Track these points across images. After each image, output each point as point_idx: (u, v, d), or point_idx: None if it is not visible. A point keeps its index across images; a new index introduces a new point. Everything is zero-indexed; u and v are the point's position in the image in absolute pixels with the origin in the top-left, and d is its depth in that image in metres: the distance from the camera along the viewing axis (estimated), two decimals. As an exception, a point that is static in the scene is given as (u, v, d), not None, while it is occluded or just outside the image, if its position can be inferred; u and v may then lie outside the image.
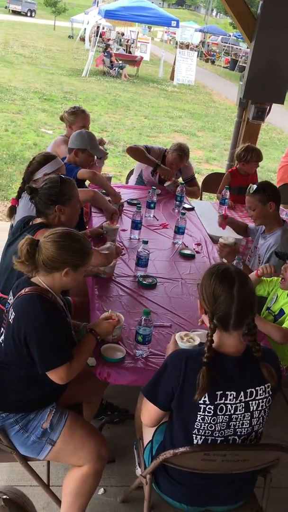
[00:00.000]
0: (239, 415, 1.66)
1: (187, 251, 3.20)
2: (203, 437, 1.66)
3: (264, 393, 1.68)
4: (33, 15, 36.72)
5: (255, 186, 3.09)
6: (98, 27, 18.56)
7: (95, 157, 3.52)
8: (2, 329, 2.03)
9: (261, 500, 1.93)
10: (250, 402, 1.66)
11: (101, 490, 2.44)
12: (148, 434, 2.02)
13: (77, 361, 1.94)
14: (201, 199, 4.89)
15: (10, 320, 1.92)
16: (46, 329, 1.85)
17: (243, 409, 1.66)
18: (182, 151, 4.15)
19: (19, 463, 2.03)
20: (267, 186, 3.14)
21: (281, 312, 2.63)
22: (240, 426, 1.68)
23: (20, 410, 1.99)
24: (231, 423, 1.66)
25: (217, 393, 1.62)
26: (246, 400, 1.66)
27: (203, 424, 1.64)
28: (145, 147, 4.26)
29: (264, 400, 1.69)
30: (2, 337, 1.99)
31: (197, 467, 1.71)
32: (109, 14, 16.20)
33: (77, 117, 3.82)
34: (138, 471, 2.19)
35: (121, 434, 2.74)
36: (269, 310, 2.71)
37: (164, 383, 1.70)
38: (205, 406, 1.62)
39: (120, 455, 2.60)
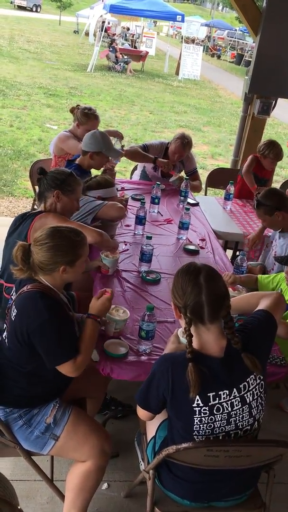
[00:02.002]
0: (238, 410, 1.66)
1: (191, 247, 3.18)
2: (204, 437, 1.66)
3: (255, 381, 1.68)
4: (38, 10, 36.55)
5: (256, 202, 3.05)
6: (103, 22, 18.48)
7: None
8: (5, 324, 2.03)
9: (264, 496, 1.92)
10: (245, 395, 1.66)
11: (105, 485, 2.45)
12: (151, 430, 2.02)
13: (83, 353, 1.93)
14: (205, 195, 4.87)
15: (12, 317, 1.92)
16: (49, 326, 1.85)
17: (240, 403, 1.65)
18: (184, 139, 4.13)
19: (23, 458, 2.03)
20: (270, 195, 3.06)
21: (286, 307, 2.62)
22: (241, 420, 1.67)
23: (23, 405, 1.99)
24: (231, 419, 1.65)
25: (208, 394, 1.62)
26: (240, 394, 1.65)
27: (201, 425, 1.64)
28: (144, 145, 4.25)
29: (257, 387, 1.68)
30: (5, 333, 2.00)
31: (200, 463, 1.70)
32: (114, 9, 16.12)
33: (89, 120, 3.78)
34: (142, 466, 2.19)
35: (125, 429, 2.75)
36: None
37: (154, 391, 1.71)
38: (199, 409, 1.62)
39: (124, 450, 2.61)
